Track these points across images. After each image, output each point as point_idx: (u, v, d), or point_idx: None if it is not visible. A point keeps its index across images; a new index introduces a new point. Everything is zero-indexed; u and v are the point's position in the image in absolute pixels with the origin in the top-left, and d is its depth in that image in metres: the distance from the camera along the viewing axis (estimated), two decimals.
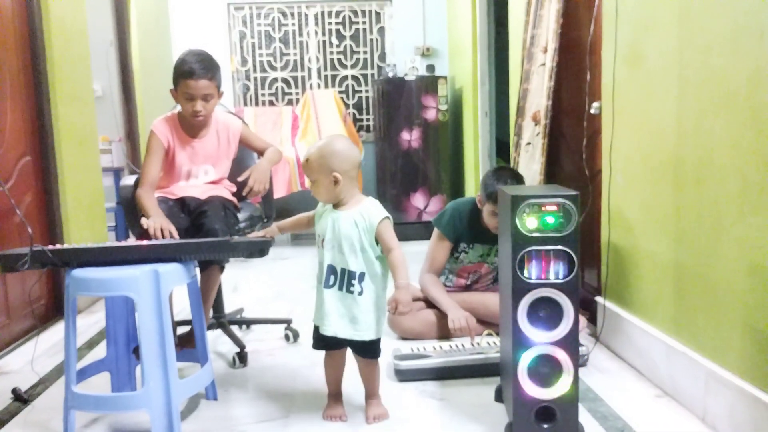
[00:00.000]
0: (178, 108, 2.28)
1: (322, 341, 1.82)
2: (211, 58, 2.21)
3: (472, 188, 4.90)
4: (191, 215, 2.17)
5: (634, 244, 2.21)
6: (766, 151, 1.49)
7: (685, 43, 1.84)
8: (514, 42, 3.50)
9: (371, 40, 5.92)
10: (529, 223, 1.59)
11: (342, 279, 1.76)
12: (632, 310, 2.24)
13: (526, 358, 1.62)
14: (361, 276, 1.75)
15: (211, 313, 2.48)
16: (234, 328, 2.68)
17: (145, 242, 1.83)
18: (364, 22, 5.89)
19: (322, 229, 1.80)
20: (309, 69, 5.93)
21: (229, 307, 2.76)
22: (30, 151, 2.92)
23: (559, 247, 1.58)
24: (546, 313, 1.61)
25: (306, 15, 5.86)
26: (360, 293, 1.75)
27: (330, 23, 5.87)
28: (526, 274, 1.60)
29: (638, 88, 2.15)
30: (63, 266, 1.77)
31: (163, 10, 5.45)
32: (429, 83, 5.17)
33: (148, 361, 1.70)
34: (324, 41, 5.89)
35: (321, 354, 1.87)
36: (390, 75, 5.36)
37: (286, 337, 2.62)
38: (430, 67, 5.51)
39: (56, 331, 2.85)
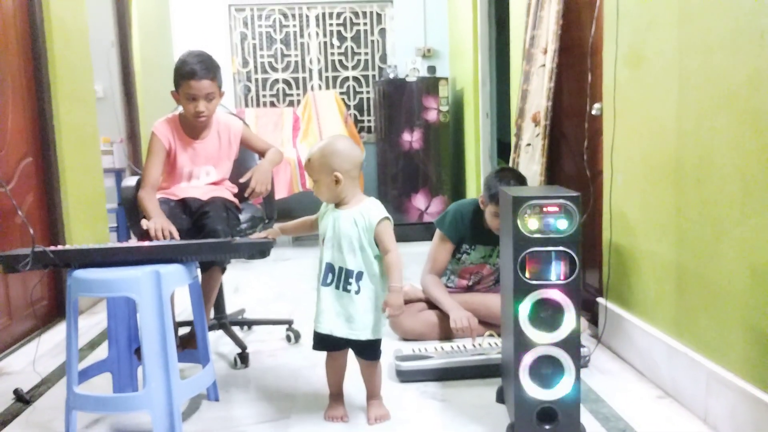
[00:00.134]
0: (179, 109, 2.28)
1: (322, 342, 1.82)
2: (211, 58, 2.21)
3: (473, 189, 4.90)
4: (193, 216, 2.17)
5: (635, 244, 2.21)
6: (766, 151, 1.49)
7: (686, 44, 1.84)
8: (515, 43, 3.50)
9: (372, 41, 5.92)
10: (530, 223, 1.59)
11: (339, 277, 1.77)
12: (633, 310, 2.24)
13: (527, 359, 1.62)
14: (359, 275, 1.75)
15: (212, 314, 2.48)
16: (235, 328, 2.68)
17: (146, 243, 1.83)
18: (365, 24, 5.90)
19: (324, 228, 1.81)
20: (310, 70, 5.93)
21: (230, 308, 2.77)
22: (31, 152, 2.93)
23: (561, 248, 1.58)
24: (547, 314, 1.61)
25: (307, 16, 5.87)
26: (357, 292, 1.75)
27: (331, 24, 5.88)
28: (527, 274, 1.60)
29: (639, 89, 2.15)
30: (64, 267, 1.77)
31: (164, 11, 5.46)
32: (430, 84, 5.17)
33: (149, 361, 1.70)
34: (325, 42, 5.90)
35: (322, 355, 1.88)
36: (391, 76, 5.36)
37: (288, 338, 2.63)
38: (431, 68, 5.51)
39: (58, 332, 2.85)
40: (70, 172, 3.12)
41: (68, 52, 3.17)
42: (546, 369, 1.62)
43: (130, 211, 2.28)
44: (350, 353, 1.86)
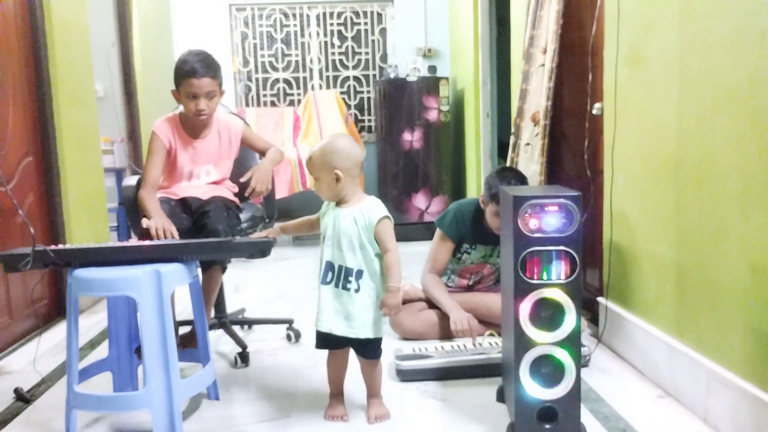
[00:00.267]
0: (180, 109, 2.28)
1: (323, 341, 1.82)
2: (211, 57, 2.22)
3: (473, 189, 4.90)
4: (193, 215, 2.17)
5: (635, 244, 2.21)
6: (767, 151, 1.49)
7: (687, 44, 1.84)
8: (516, 43, 3.50)
9: (373, 41, 5.92)
10: (531, 223, 1.59)
11: (339, 276, 1.77)
12: (634, 310, 2.24)
13: (527, 359, 1.62)
14: (359, 273, 1.75)
15: (212, 313, 2.48)
16: (236, 328, 2.68)
17: (147, 242, 1.83)
18: (365, 23, 5.90)
19: (325, 227, 1.81)
20: (311, 70, 5.93)
21: (230, 308, 2.77)
22: (32, 152, 2.93)
23: (561, 247, 1.58)
24: (548, 313, 1.61)
25: (308, 16, 5.87)
26: (356, 290, 1.75)
27: (332, 24, 5.88)
28: (528, 274, 1.60)
29: (640, 89, 2.15)
30: (65, 266, 1.77)
31: (165, 11, 5.46)
32: (430, 84, 5.17)
33: (149, 360, 1.70)
34: (326, 42, 5.90)
35: (322, 354, 1.88)
36: (391, 76, 5.36)
37: (288, 338, 2.63)
38: (432, 68, 5.51)
39: (58, 331, 2.85)
40: (70, 172, 3.13)
41: (69, 52, 3.18)
42: (546, 368, 1.62)
43: (131, 210, 2.28)
44: (351, 352, 1.86)
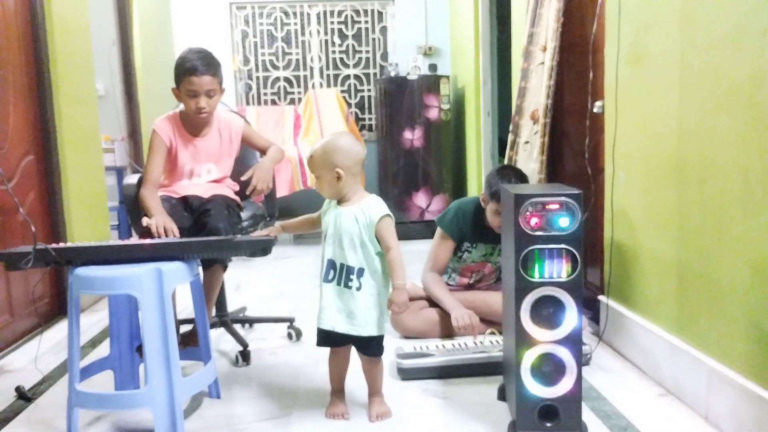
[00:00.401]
0: (180, 107, 2.28)
1: (325, 338, 1.82)
2: (212, 55, 2.22)
3: (474, 187, 4.90)
4: (194, 214, 2.17)
5: (636, 242, 2.21)
6: None
7: (688, 42, 1.84)
8: (517, 41, 3.50)
9: (373, 39, 5.92)
10: (532, 221, 1.58)
11: (341, 274, 1.77)
12: (635, 308, 2.24)
13: (529, 357, 1.62)
14: (360, 271, 1.76)
15: (213, 312, 2.49)
16: (237, 326, 2.69)
17: (147, 241, 1.83)
18: (366, 22, 5.89)
19: (326, 225, 1.82)
20: (311, 68, 5.93)
21: (231, 306, 2.77)
22: (33, 150, 2.93)
23: (563, 245, 1.58)
24: (549, 311, 1.61)
25: (308, 14, 5.86)
26: (358, 288, 1.76)
27: (332, 22, 5.87)
28: (529, 272, 1.60)
29: (641, 87, 2.15)
30: (66, 265, 1.77)
31: (166, 10, 5.45)
32: (431, 82, 5.16)
33: (151, 359, 1.70)
34: (326, 40, 5.89)
35: (323, 352, 1.88)
36: (392, 74, 5.36)
37: (289, 336, 2.63)
38: (433, 67, 5.50)
39: (59, 330, 2.85)
40: (71, 170, 3.13)
41: (69, 51, 3.17)
42: (547, 367, 1.62)
43: (132, 208, 2.28)
44: (353, 350, 1.86)
